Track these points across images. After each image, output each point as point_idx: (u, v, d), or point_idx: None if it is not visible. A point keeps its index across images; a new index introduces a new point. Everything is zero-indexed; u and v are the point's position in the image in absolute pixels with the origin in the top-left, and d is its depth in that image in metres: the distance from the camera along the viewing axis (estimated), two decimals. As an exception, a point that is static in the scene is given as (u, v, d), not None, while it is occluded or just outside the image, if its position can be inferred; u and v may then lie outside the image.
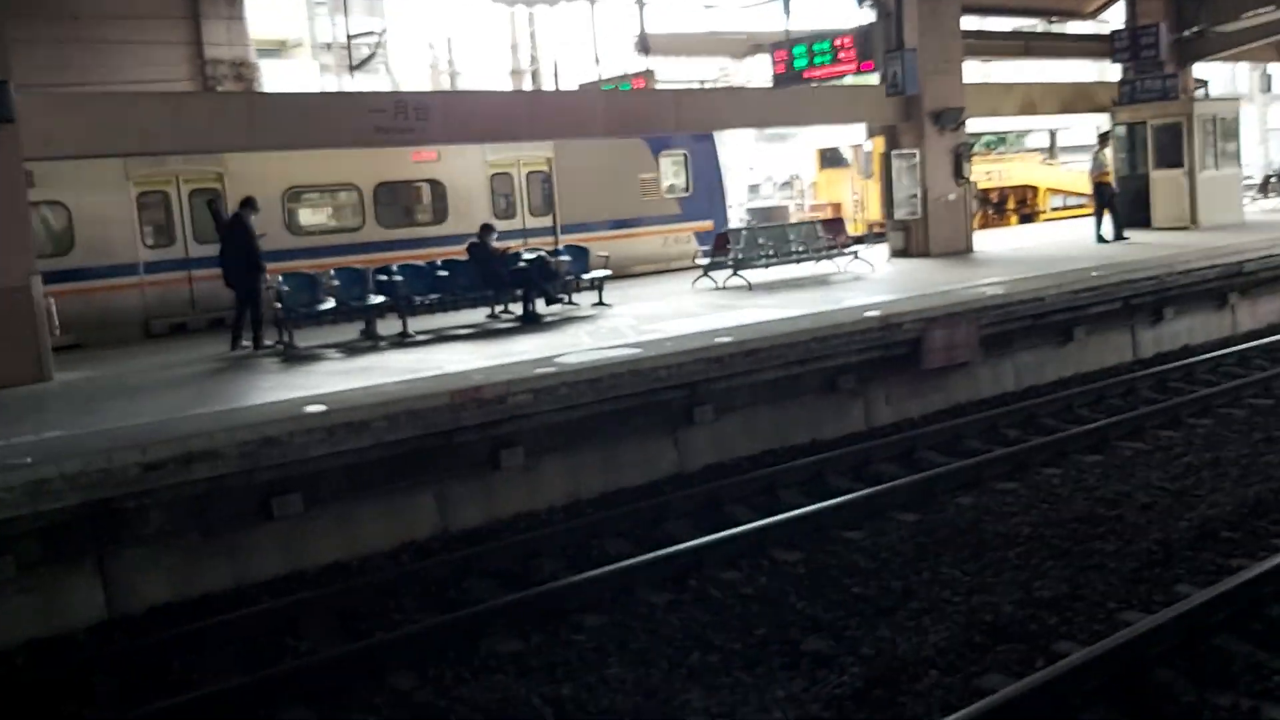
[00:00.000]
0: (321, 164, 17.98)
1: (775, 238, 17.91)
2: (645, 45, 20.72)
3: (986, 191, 32.92)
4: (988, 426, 12.48)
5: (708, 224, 22.45)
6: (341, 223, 18.93)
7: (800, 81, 16.33)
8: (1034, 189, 34.07)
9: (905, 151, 19.86)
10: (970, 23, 22.00)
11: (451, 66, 34.87)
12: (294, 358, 12.92)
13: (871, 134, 21.04)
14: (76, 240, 16.39)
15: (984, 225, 32.43)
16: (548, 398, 10.37)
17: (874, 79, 15.48)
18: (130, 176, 16.64)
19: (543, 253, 15.16)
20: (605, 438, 11.10)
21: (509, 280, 14.65)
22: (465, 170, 19.73)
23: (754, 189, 55.04)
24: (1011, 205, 33.94)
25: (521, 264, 14.88)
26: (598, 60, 22.31)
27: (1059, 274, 15.81)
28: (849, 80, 16.96)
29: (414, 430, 9.57)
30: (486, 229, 15.00)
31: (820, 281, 17.69)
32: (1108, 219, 20.72)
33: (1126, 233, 20.61)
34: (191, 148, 14.33)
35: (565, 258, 15.68)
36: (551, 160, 20.70)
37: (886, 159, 19.74)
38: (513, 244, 20.03)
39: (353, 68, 22.49)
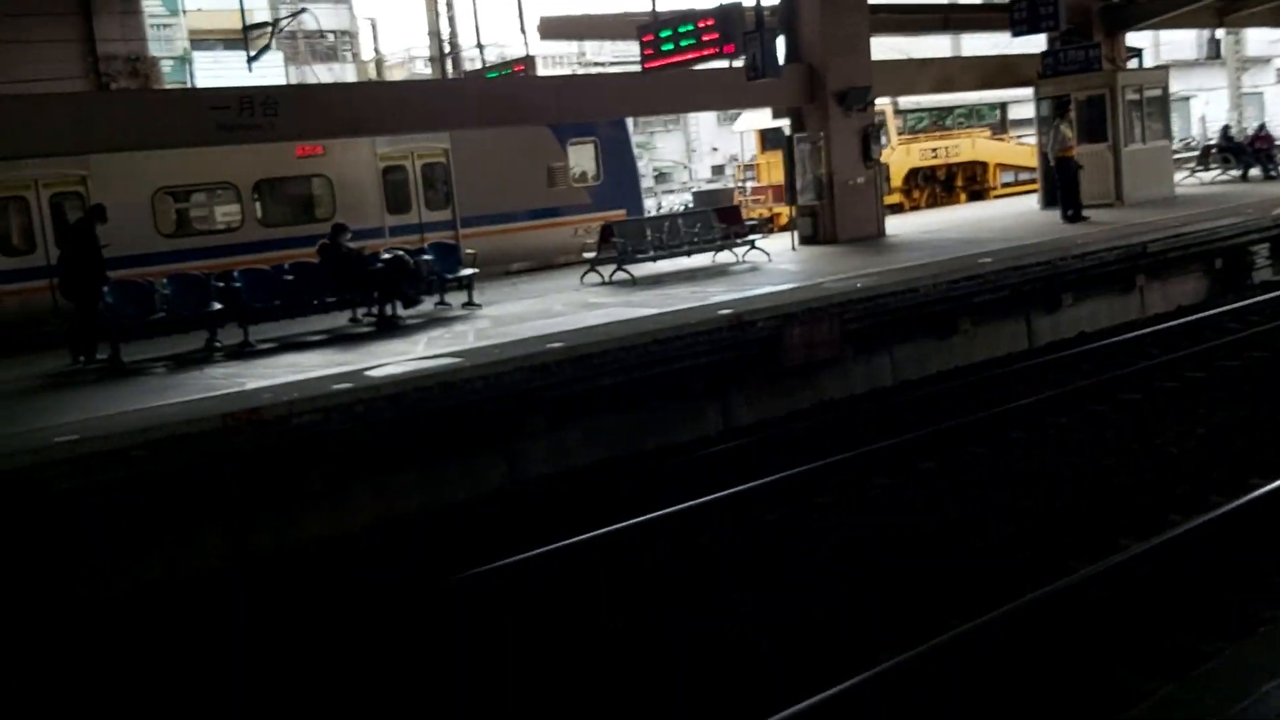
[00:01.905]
0: (196, 162, 17.31)
1: (664, 229, 17.23)
2: (523, 27, 19.98)
3: (933, 169, 32.23)
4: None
5: (620, 212, 21.78)
6: (218, 224, 18.27)
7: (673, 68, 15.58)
8: (984, 165, 33.30)
9: (806, 135, 19.16)
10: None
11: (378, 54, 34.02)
12: (114, 373, 12.31)
13: (777, 116, 20.31)
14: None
15: (931, 204, 31.84)
16: (340, 416, 9.76)
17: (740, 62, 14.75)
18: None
19: (401, 253, 14.49)
20: (422, 455, 10.52)
21: (363, 283, 14.00)
22: (354, 164, 19.07)
23: (718, 170, 54.45)
24: (960, 182, 33.18)
25: (378, 265, 14.21)
26: (480, 47, 21.55)
27: (941, 263, 15.14)
28: (715, 64, 16.19)
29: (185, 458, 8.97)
30: (339, 229, 14.36)
31: (714, 273, 17.04)
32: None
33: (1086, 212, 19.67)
34: (19, 152, 13.64)
35: (428, 257, 15.02)
36: (448, 151, 20.04)
37: (788, 142, 19.02)
38: (410, 239, 19.60)
39: (251, 58, 21.77)
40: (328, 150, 18.70)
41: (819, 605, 7.46)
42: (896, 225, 21.68)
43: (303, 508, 9.78)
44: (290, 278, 13.92)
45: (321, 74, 34.70)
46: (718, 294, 14.25)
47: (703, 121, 58.47)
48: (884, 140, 30.04)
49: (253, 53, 22.21)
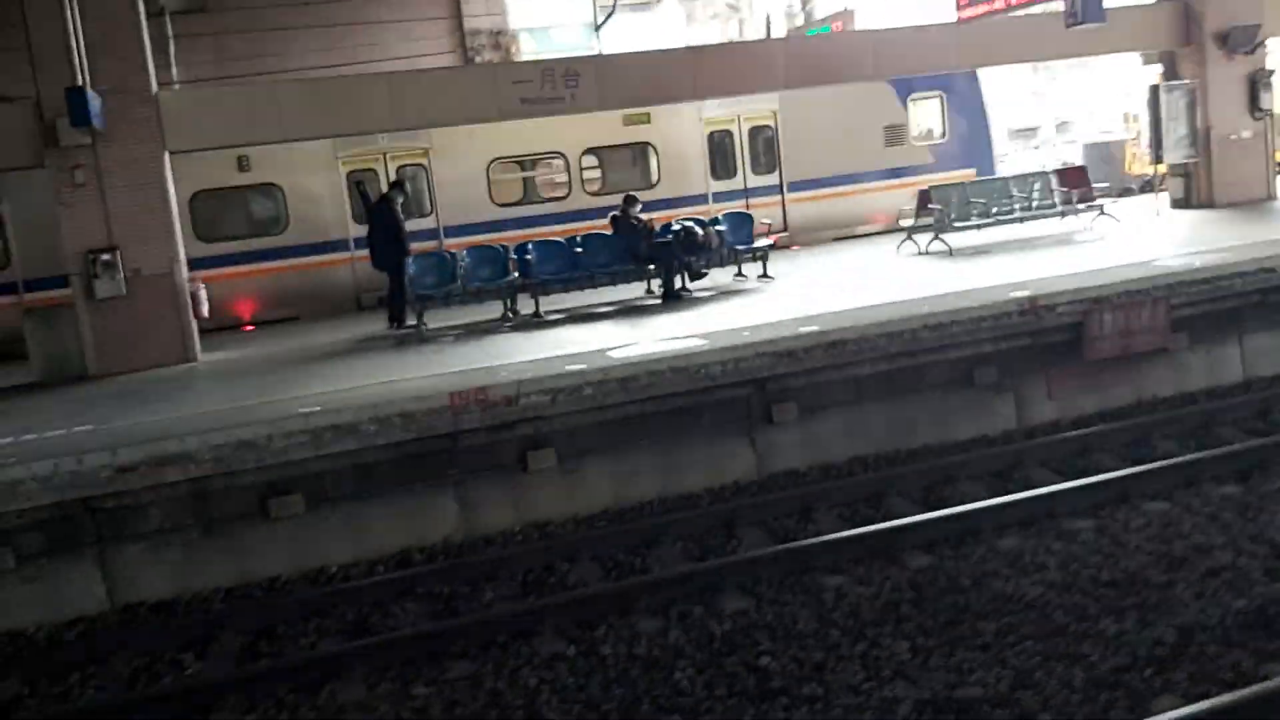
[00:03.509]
0: (528, 133, 17.83)
1: (991, 194, 15.61)
2: None
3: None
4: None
5: (969, 172, 20.14)
6: (549, 192, 18.78)
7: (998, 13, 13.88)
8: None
9: (1176, 83, 16.61)
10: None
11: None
12: (416, 339, 12.97)
13: (1148, 62, 17.75)
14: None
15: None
16: (568, 398, 9.61)
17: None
18: (339, 156, 17.38)
19: (691, 224, 14.12)
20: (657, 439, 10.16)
21: (647, 256, 13.80)
22: (678, 130, 18.91)
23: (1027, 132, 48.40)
24: None
25: (665, 238, 13.95)
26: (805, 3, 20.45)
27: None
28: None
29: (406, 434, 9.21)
30: (630, 200, 14.22)
31: (1051, 243, 15.25)
32: None
33: None
34: (326, 131, 14.57)
35: (721, 228, 14.54)
36: (776, 113, 19.38)
37: (1153, 91, 16.57)
38: (734, 204, 19.22)
39: (597, 27, 22.23)
40: (653, 118, 18.64)
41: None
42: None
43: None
44: (580, 250, 13.96)
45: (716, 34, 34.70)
46: (1026, 272, 12.67)
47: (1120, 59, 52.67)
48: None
49: (600, 20, 22.72)
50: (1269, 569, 6.88)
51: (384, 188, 15.74)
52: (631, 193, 14.83)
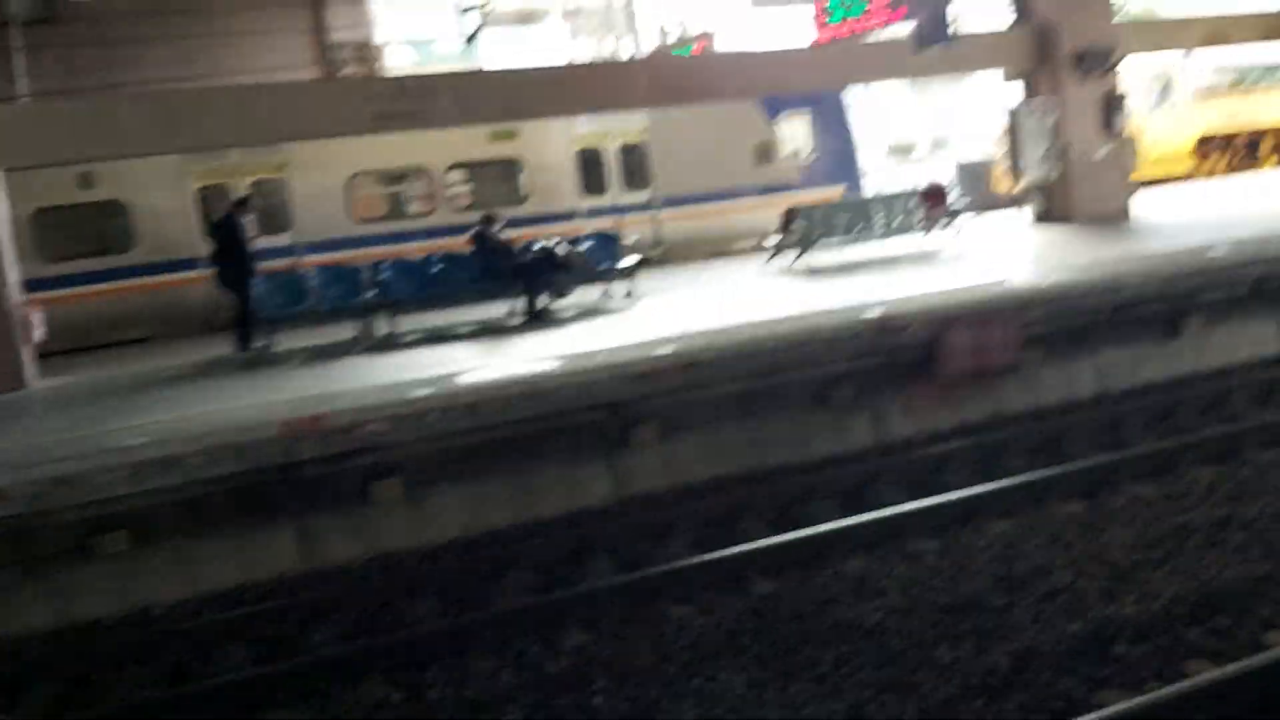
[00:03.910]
0: (391, 147, 17.38)
1: (854, 213, 15.69)
2: None
3: (1232, 135, 28.31)
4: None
5: (837, 190, 20.35)
6: (412, 208, 18.36)
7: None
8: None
9: (1032, 103, 16.96)
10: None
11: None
12: (258, 363, 12.44)
13: (1007, 80, 18.11)
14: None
15: (1231, 170, 28.02)
16: (412, 425, 9.23)
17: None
18: (189, 172, 16.69)
19: (553, 243, 13.86)
20: (512, 465, 9.85)
21: (507, 275, 13.48)
22: (548, 146, 18.67)
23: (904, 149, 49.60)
24: (1269, 145, 28.97)
25: (528, 256, 13.66)
26: (663, 25, 20.44)
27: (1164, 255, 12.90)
28: (888, 33, 14.35)
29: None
30: (489, 218, 13.89)
31: (912, 260, 15.38)
32: None
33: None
34: (168, 148, 13.92)
35: (585, 247, 14.31)
36: (647, 130, 19.29)
37: (1012, 110, 16.88)
38: (605, 221, 19.05)
39: (468, 39, 21.88)
40: (521, 133, 18.37)
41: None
42: (1168, 200, 19.10)
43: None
44: (439, 269, 13.58)
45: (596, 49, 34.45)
46: (885, 290, 12.70)
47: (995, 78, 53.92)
48: (1171, 101, 26.97)
49: (468, 34, 22.38)
50: (1105, 590, 6.86)
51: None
52: (491, 211, 14.51)
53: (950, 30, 12.57)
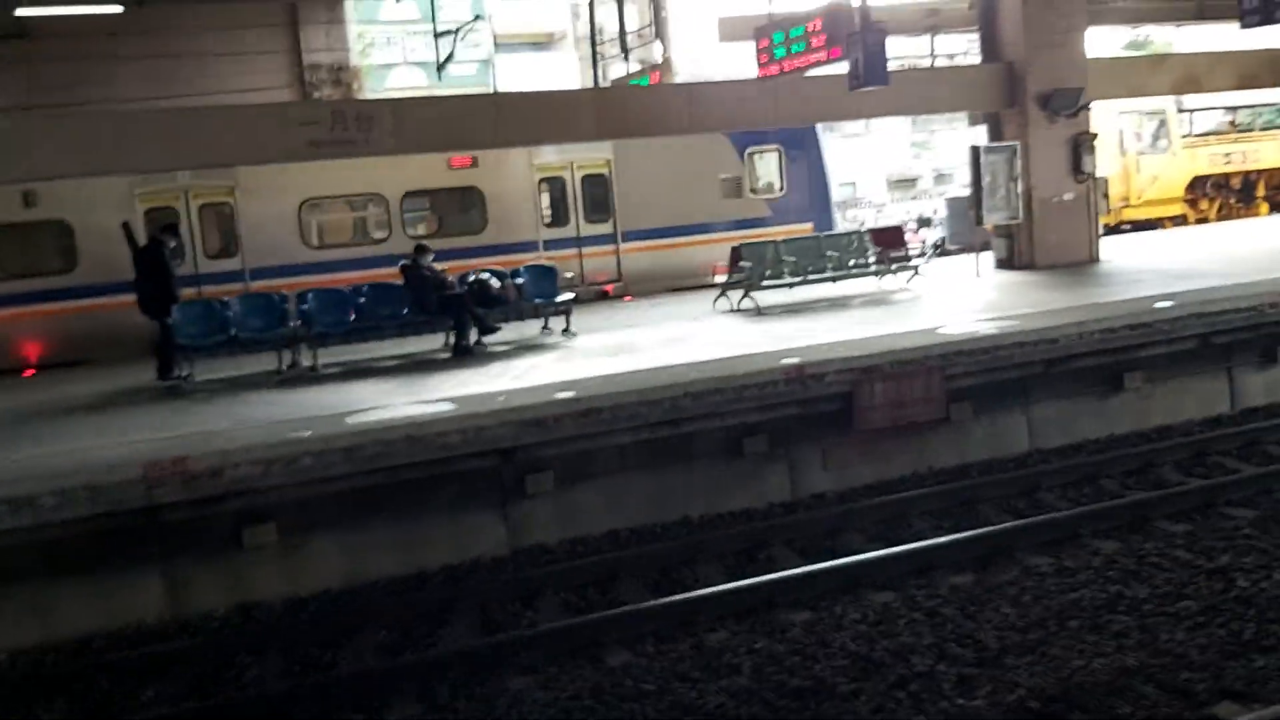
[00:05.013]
0: (345, 174, 17.12)
1: (804, 252, 15.28)
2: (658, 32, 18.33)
3: (1226, 176, 27.80)
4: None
5: (806, 226, 19.94)
6: (369, 235, 18.05)
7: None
8: (1296, 171, 28.32)
9: (996, 145, 16.54)
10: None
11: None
12: (174, 393, 12.15)
13: (974, 123, 17.71)
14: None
15: (1223, 216, 27.49)
16: (284, 469, 8.86)
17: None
18: (136, 193, 16.44)
19: (486, 276, 13.52)
20: (399, 512, 9.47)
21: (436, 308, 13.13)
22: (508, 176, 18.34)
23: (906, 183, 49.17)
24: (1262, 192, 28.43)
25: (459, 289, 13.32)
26: (625, 52, 20.06)
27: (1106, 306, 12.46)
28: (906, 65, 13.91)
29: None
30: (421, 249, 13.54)
31: (861, 303, 14.97)
32: None
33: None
34: (98, 169, 13.58)
35: (520, 280, 13.97)
36: (611, 162, 18.96)
37: (975, 152, 16.47)
38: (567, 253, 18.73)
39: (439, 66, 21.66)
40: (479, 161, 18.06)
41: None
42: (1146, 246, 18.66)
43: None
44: (364, 299, 13.26)
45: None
46: (822, 334, 12.30)
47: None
48: (1165, 143, 26.49)
49: (441, 60, 22.17)
50: (962, 679, 6.40)
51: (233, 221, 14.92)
52: (422, 242, 14.20)
53: (887, 72, 12.15)
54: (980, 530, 8.73)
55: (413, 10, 30.47)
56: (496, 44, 43.97)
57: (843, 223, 36.88)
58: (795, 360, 10.66)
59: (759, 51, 13.82)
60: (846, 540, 9.12)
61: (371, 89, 35.28)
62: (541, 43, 42.39)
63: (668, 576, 8.65)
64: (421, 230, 18.14)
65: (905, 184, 48.03)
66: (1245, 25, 13.83)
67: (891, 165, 49.79)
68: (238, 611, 8.79)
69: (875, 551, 8.41)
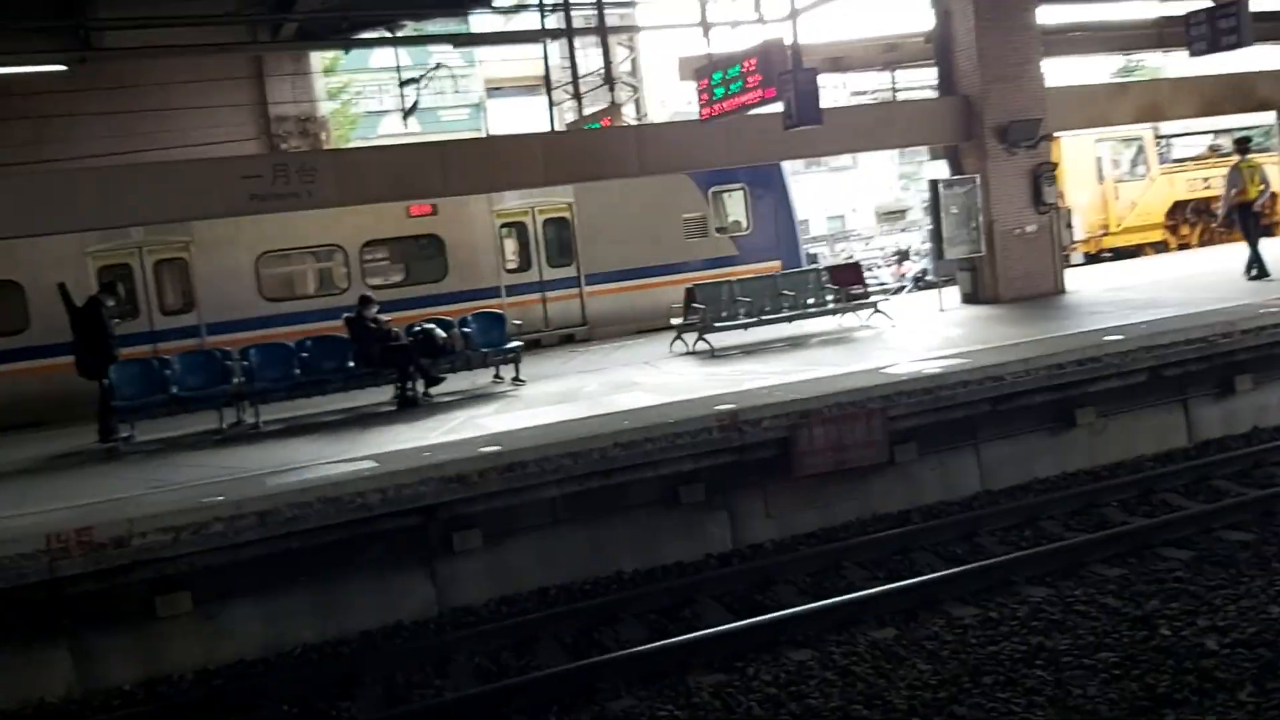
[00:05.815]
0: (301, 225, 16.99)
1: (759, 293, 15.09)
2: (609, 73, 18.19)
3: (1206, 201, 27.57)
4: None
5: (774, 264, 19.75)
6: (328, 287, 17.92)
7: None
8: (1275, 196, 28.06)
9: (956, 178, 16.37)
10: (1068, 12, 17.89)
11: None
12: (113, 455, 11.99)
13: (934, 156, 17.54)
14: None
15: (1207, 242, 27.24)
16: (193, 537, 8.63)
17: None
18: (88, 251, 16.33)
19: (430, 325, 13.34)
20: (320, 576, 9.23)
21: (379, 359, 12.94)
22: (467, 222, 18.21)
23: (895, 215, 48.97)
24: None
25: (403, 340, 13.14)
26: (578, 96, 19.95)
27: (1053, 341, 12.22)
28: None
29: None
30: (365, 301, 13.38)
31: (819, 342, 14.75)
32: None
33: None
34: (31, 230, 13.41)
35: (467, 329, 13.79)
36: (572, 205, 18.82)
37: (933, 186, 16.29)
38: (530, 298, 18.57)
39: (405, 114, 21.69)
40: (439, 209, 17.94)
41: None
42: (1117, 275, 18.42)
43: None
44: (307, 353, 13.08)
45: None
46: (768, 377, 12.07)
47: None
48: (1143, 170, 26.29)
49: (405, 108, 22.13)
50: (855, 746, 6.12)
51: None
52: (367, 293, 14.06)
53: (820, 111, 11.99)
54: (908, 581, 8.44)
55: (405, 58, 30.72)
56: (488, 89, 44.38)
57: (830, 257, 37.00)
58: (729, 406, 10.42)
59: (700, 92, 13.69)
60: (777, 593, 8.85)
61: (360, 137, 35.49)
62: (534, 86, 42.61)
63: (587, 637, 8.37)
64: (380, 281, 18.01)
65: (894, 216, 47.98)
66: (1194, 54, 13.67)
67: (880, 197, 49.80)
68: (147, 685, 8.53)
69: (797, 607, 8.12)
